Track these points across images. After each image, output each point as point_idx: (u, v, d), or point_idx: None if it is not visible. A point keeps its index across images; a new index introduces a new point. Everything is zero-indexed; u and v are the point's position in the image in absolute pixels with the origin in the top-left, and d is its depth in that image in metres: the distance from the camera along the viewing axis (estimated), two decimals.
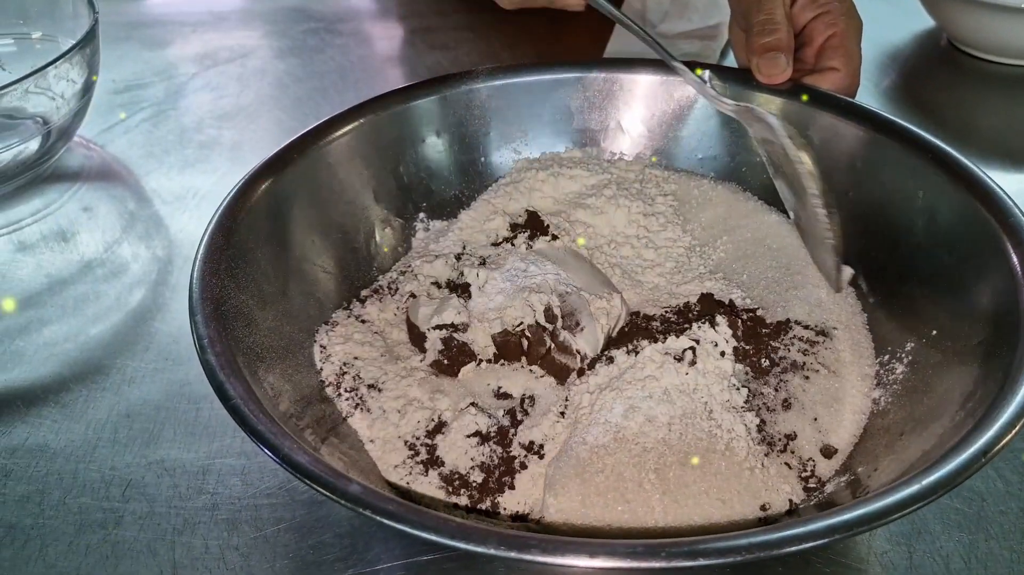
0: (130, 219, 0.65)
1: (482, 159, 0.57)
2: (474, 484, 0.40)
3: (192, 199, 0.67)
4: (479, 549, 0.29)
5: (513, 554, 0.29)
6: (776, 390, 0.44)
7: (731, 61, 0.65)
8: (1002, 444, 0.32)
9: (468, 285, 0.47)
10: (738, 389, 0.42)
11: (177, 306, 0.56)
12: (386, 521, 0.31)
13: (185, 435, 0.48)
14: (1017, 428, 0.33)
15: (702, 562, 0.29)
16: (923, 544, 0.40)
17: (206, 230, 0.44)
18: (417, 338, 0.47)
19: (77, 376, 0.52)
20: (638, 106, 0.57)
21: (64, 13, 0.72)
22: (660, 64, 0.57)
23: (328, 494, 0.32)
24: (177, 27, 0.93)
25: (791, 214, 0.52)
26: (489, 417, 0.43)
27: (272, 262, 0.46)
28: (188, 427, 0.48)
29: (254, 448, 0.46)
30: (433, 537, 0.30)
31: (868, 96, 0.54)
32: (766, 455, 0.40)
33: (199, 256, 0.42)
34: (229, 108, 0.78)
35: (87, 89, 0.68)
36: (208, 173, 0.70)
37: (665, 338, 0.44)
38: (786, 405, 0.43)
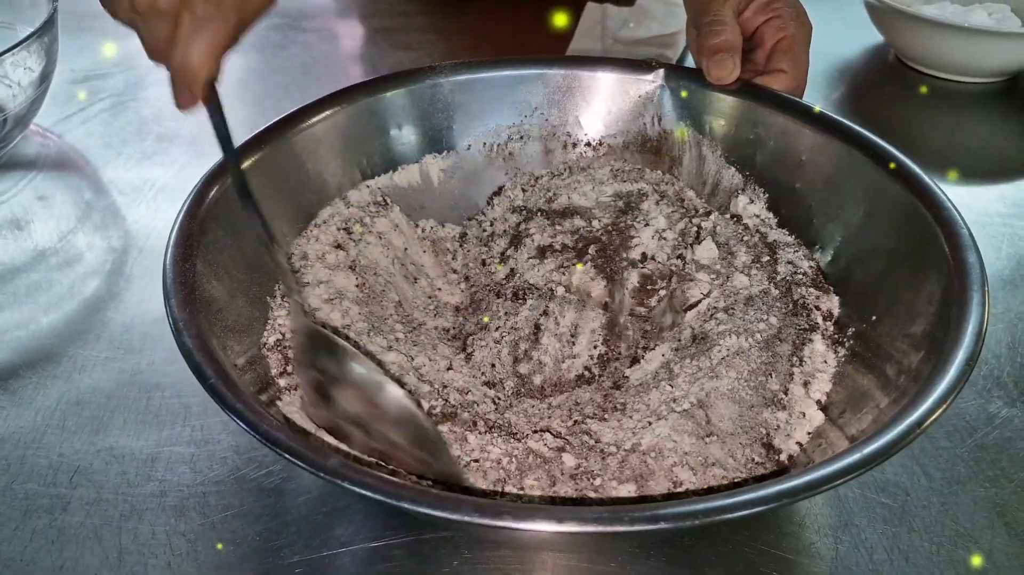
0: (86, 209, 0.65)
1: (444, 152, 0.59)
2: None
3: (149, 191, 0.67)
4: (454, 516, 0.30)
5: (487, 521, 0.30)
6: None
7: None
8: (934, 418, 0.34)
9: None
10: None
11: (131, 296, 0.57)
12: (366, 492, 0.31)
13: (135, 423, 0.48)
14: (948, 403, 0.35)
15: (663, 526, 0.30)
16: (849, 536, 0.42)
17: (177, 216, 0.44)
18: None
19: (27, 363, 0.52)
20: (597, 103, 0.59)
21: (23, 2, 0.72)
22: (618, 63, 0.58)
23: (307, 467, 0.33)
24: None
25: None
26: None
27: (241, 250, 0.47)
28: (138, 415, 0.48)
29: (204, 436, 0.47)
30: (411, 506, 0.31)
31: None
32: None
33: (171, 241, 0.43)
34: None
35: (45, 78, 0.68)
36: (166, 165, 0.70)
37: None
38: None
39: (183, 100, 0.42)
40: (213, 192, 0.46)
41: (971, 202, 0.66)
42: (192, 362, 0.36)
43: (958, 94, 0.81)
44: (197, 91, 0.42)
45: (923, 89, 0.82)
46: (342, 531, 0.42)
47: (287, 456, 0.33)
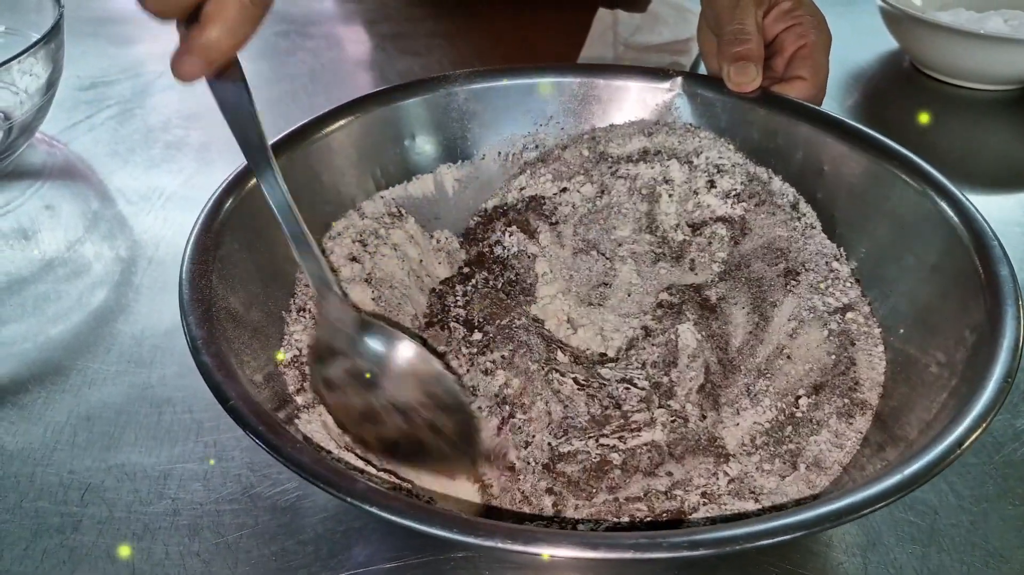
0: (93, 218, 0.64)
1: (459, 162, 0.58)
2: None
3: (158, 199, 0.66)
4: (487, 543, 0.29)
5: (519, 547, 0.29)
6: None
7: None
8: (975, 436, 0.33)
9: None
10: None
11: (140, 308, 0.56)
12: (395, 518, 0.30)
13: (146, 439, 0.47)
14: (989, 420, 0.34)
15: (702, 552, 0.29)
16: (877, 555, 0.41)
17: (192, 229, 0.43)
18: None
19: (36, 377, 0.51)
20: (614, 112, 0.58)
21: (28, 7, 0.71)
22: (635, 71, 0.58)
23: (334, 492, 0.32)
24: (145, 24, 0.92)
25: None
26: None
27: (256, 263, 0.46)
28: (150, 431, 0.47)
29: (217, 453, 0.46)
30: (442, 533, 0.30)
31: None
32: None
33: (187, 256, 0.42)
34: (197, 108, 0.78)
35: (51, 85, 0.67)
36: (174, 173, 0.69)
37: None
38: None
39: (189, 68, 0.32)
40: (228, 203, 0.45)
41: (989, 211, 0.63)
42: (212, 382, 0.36)
43: (974, 101, 0.81)
44: (219, 61, 0.33)
45: (938, 96, 0.81)
46: (359, 551, 0.41)
47: (314, 481, 0.32)
